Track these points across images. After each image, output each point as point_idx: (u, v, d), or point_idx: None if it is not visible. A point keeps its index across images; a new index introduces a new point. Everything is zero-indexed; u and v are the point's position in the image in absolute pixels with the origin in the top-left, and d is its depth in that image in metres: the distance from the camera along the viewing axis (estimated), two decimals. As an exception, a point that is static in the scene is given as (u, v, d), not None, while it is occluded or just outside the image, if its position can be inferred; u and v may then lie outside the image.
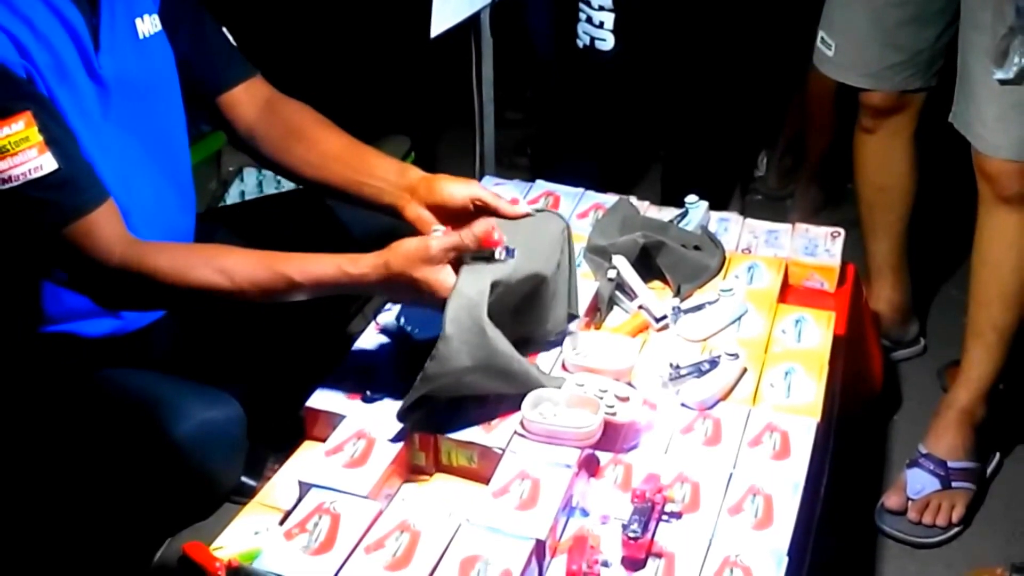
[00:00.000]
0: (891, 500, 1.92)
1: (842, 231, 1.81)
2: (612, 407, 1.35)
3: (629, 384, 1.43)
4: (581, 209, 1.84)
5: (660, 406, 1.42)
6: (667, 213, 1.80)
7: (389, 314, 1.54)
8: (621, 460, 1.34)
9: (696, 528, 1.25)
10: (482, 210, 1.44)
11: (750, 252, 1.76)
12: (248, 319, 1.53)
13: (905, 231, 2.21)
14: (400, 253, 1.30)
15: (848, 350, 1.67)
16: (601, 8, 2.32)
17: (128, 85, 1.45)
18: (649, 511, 1.21)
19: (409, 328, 1.48)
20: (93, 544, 1.60)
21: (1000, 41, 1.68)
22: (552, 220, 1.47)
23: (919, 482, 1.91)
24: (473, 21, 2.07)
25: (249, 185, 2.64)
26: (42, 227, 1.32)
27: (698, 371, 1.45)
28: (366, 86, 3.12)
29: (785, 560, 1.20)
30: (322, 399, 1.41)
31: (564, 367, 1.47)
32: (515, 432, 1.34)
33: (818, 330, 1.59)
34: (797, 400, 1.45)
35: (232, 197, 2.61)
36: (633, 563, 1.20)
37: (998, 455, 2.02)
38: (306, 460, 1.36)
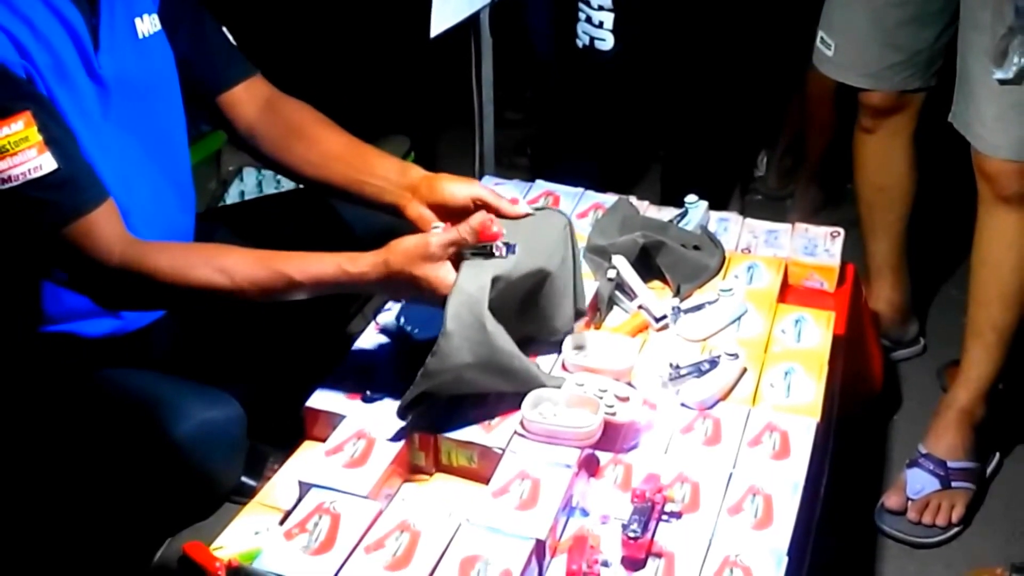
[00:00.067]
0: (891, 500, 1.92)
1: (842, 231, 1.81)
2: (612, 407, 1.35)
3: (629, 384, 1.43)
4: (581, 209, 1.84)
5: (660, 406, 1.42)
6: (667, 213, 1.81)
7: (389, 314, 1.54)
8: (621, 460, 1.34)
9: (696, 528, 1.25)
10: (483, 209, 1.44)
11: (750, 252, 1.76)
12: (248, 319, 1.53)
13: (905, 231, 2.21)
14: (399, 251, 1.30)
15: (848, 350, 1.67)
16: (601, 8, 2.32)
17: (128, 85, 1.45)
18: (649, 511, 1.21)
19: (409, 328, 1.48)
20: (93, 544, 1.60)
21: (999, 41, 1.68)
22: (554, 216, 1.47)
23: (919, 482, 1.91)
24: (473, 21, 2.07)
25: (249, 185, 2.64)
26: (42, 227, 1.32)
27: (698, 371, 1.45)
28: (366, 86, 3.12)
29: (785, 560, 1.20)
30: (322, 399, 1.41)
31: (564, 367, 1.47)
32: (515, 432, 1.34)
33: (818, 330, 1.59)
34: (797, 400, 1.45)
35: (232, 197, 2.61)
36: (633, 563, 1.20)
37: (998, 455, 2.02)
38: (306, 460, 1.36)
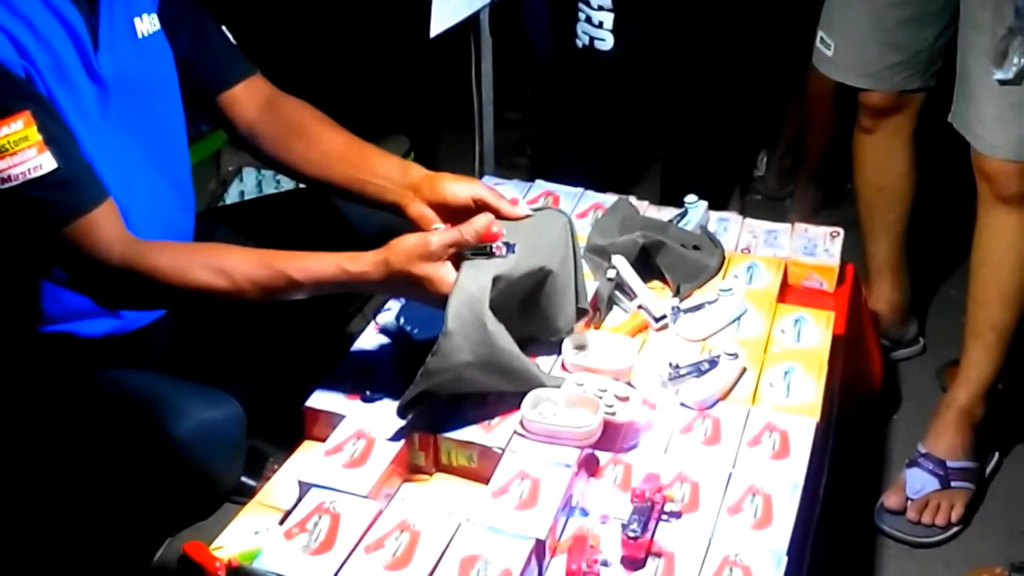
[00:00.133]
0: (890, 500, 1.92)
1: (841, 231, 1.81)
2: (612, 407, 1.35)
3: (629, 384, 1.43)
4: (581, 209, 1.84)
5: (660, 406, 1.42)
6: (666, 213, 1.81)
7: (389, 314, 1.54)
8: (621, 460, 1.34)
9: (696, 528, 1.25)
10: (483, 210, 1.44)
11: (749, 252, 1.76)
12: (248, 319, 1.53)
13: (904, 231, 2.21)
14: (400, 250, 1.30)
15: (847, 350, 1.67)
16: (600, 8, 2.32)
17: (127, 85, 1.45)
18: (649, 511, 1.21)
19: (409, 328, 1.48)
20: (93, 544, 1.59)
21: (999, 42, 1.68)
22: (554, 215, 1.47)
23: (918, 482, 1.91)
24: (472, 21, 2.07)
25: (248, 185, 2.64)
26: (42, 226, 1.32)
27: (697, 371, 1.45)
28: (366, 86, 3.12)
29: (784, 559, 1.20)
30: (322, 399, 1.41)
31: (564, 367, 1.47)
32: (515, 432, 1.34)
33: (817, 330, 1.59)
34: (796, 400, 1.45)
35: (231, 197, 2.62)
36: (633, 563, 1.20)
37: (997, 455, 2.02)
38: (306, 460, 1.36)
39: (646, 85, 2.52)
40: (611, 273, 1.61)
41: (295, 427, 1.43)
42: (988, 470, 2.00)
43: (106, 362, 1.51)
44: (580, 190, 1.89)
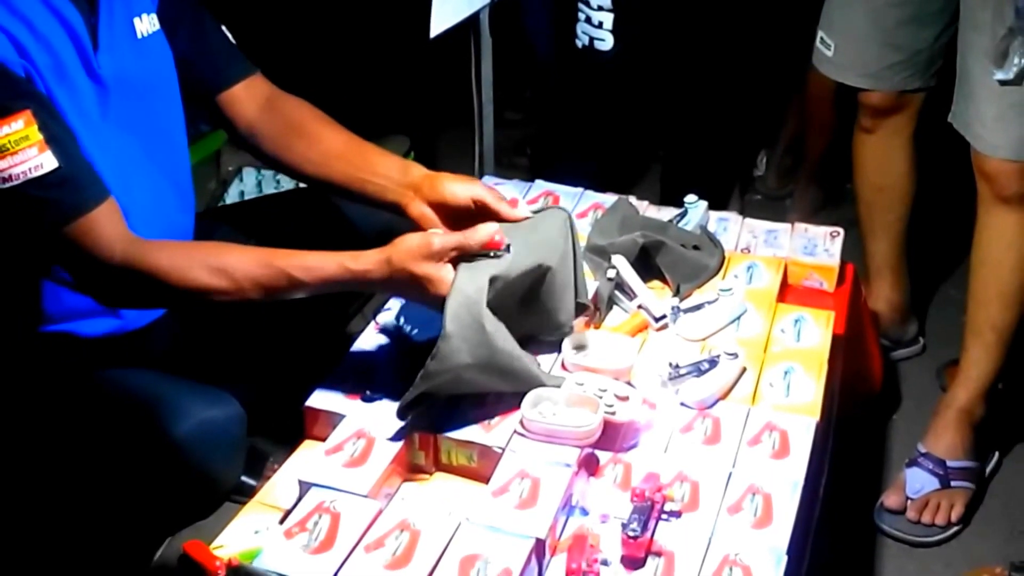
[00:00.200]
0: (890, 499, 1.92)
1: (841, 231, 1.81)
2: (611, 406, 1.36)
3: (628, 383, 1.43)
4: (580, 209, 1.84)
5: (659, 405, 1.42)
6: (666, 213, 1.81)
7: (389, 314, 1.54)
8: (620, 459, 1.34)
9: (695, 527, 1.25)
10: (483, 210, 1.44)
11: (749, 252, 1.76)
12: (248, 319, 1.53)
13: (904, 231, 2.21)
14: (402, 249, 1.30)
15: (847, 349, 1.67)
16: (600, 8, 2.32)
17: (127, 85, 1.45)
18: (648, 510, 1.21)
19: (408, 328, 1.49)
20: (93, 544, 1.60)
21: (1000, 42, 1.68)
22: (553, 213, 1.47)
23: (918, 481, 1.91)
24: (472, 21, 2.07)
25: (248, 185, 2.64)
26: (43, 226, 1.32)
27: (697, 370, 1.45)
28: (366, 86, 3.12)
29: (784, 559, 1.20)
30: (322, 399, 1.41)
31: (564, 366, 1.47)
32: (515, 431, 1.34)
33: (817, 329, 1.59)
34: (796, 399, 1.45)
35: (231, 197, 2.62)
36: (632, 562, 1.20)
37: (997, 454, 2.02)
38: (306, 459, 1.36)
39: (646, 85, 2.53)
40: (611, 273, 1.61)
41: (295, 427, 1.43)
42: (988, 470, 2.00)
43: (106, 362, 1.51)
44: (580, 190, 1.89)
